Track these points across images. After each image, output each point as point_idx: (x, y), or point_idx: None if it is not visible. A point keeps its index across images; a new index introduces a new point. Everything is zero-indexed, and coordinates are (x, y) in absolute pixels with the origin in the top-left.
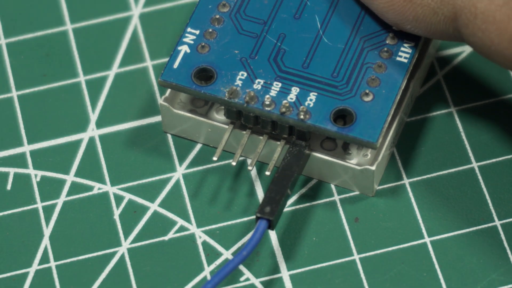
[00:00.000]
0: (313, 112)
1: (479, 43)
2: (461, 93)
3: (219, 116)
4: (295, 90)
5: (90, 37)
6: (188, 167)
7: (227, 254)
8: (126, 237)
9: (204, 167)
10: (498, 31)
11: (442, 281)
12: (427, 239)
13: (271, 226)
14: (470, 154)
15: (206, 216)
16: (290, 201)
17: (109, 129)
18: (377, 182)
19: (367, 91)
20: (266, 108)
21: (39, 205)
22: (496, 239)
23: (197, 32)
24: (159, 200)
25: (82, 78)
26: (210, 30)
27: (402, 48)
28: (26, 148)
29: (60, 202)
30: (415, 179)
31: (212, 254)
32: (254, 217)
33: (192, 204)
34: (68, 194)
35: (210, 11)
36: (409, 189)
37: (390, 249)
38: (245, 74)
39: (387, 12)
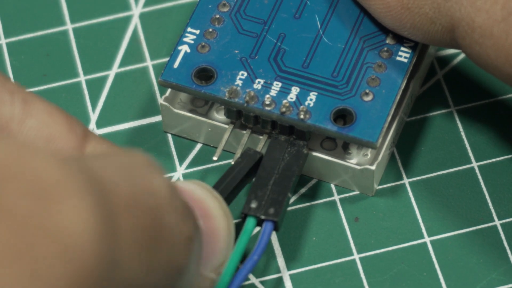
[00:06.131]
0: (313, 111)
1: (476, 56)
2: (461, 93)
3: (219, 116)
4: (295, 90)
5: (90, 37)
6: (188, 166)
7: None
8: None
9: (204, 167)
10: (495, 47)
11: (442, 281)
12: (427, 239)
13: (276, 227)
14: (470, 154)
15: None
16: (290, 201)
17: (109, 129)
18: (377, 182)
19: (367, 91)
20: (266, 108)
21: None
22: (496, 239)
23: (197, 32)
24: None
25: (82, 78)
26: (210, 29)
27: (402, 48)
28: None
29: None
30: (415, 179)
31: None
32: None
33: None
34: None
35: (210, 10)
36: (409, 189)
37: (390, 248)
38: (245, 73)
39: (385, 17)
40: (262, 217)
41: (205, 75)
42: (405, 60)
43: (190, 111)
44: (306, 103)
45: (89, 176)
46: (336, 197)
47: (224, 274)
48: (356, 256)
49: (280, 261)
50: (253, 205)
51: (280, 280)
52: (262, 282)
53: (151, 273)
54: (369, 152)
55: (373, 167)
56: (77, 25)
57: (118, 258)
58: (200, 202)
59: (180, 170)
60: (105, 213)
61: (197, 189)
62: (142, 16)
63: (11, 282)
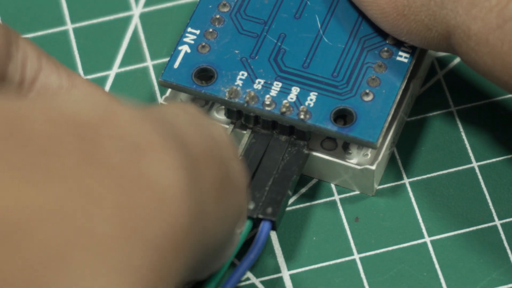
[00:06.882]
0: (313, 112)
1: (473, 62)
2: (461, 93)
3: (220, 116)
4: (295, 90)
5: (90, 37)
6: None
7: None
8: None
9: None
10: (491, 54)
11: (442, 280)
12: (427, 239)
13: (274, 227)
14: (470, 154)
15: None
16: (290, 201)
17: None
18: (377, 182)
19: (367, 91)
20: (267, 108)
21: None
22: (496, 239)
23: (198, 32)
24: None
25: None
26: (211, 30)
27: (402, 48)
28: None
29: None
30: (415, 179)
31: None
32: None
33: None
34: None
35: (211, 11)
36: (409, 189)
37: (390, 248)
38: (246, 74)
39: (381, 22)
40: (260, 216)
41: (205, 75)
42: (405, 60)
43: None
44: (306, 103)
45: (168, 130)
46: (336, 197)
47: (215, 274)
48: (356, 256)
49: (280, 261)
50: (250, 206)
51: (280, 280)
52: (262, 282)
53: (225, 222)
54: (369, 152)
55: (373, 167)
56: (77, 25)
57: (203, 209)
58: None
59: None
60: (189, 165)
61: None
62: (142, 16)
63: (113, 233)
